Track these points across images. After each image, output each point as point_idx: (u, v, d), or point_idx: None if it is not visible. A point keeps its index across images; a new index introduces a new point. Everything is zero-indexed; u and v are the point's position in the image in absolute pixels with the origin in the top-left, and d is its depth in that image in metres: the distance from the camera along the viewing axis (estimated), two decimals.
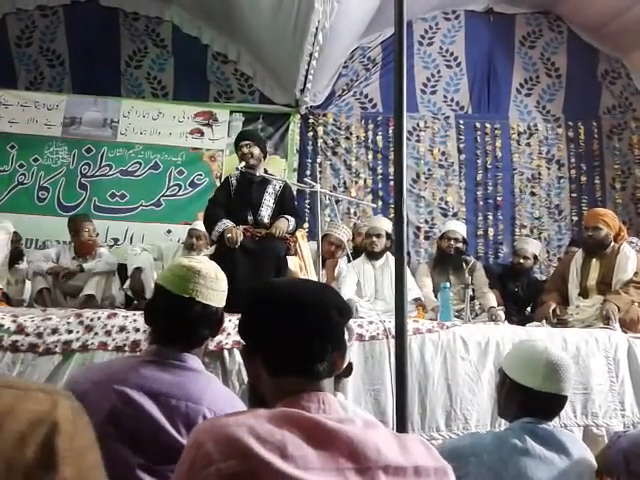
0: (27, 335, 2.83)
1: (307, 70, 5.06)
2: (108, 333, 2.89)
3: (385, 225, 4.47)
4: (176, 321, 1.49)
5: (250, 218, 3.75)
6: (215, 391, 1.47)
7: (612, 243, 4.02)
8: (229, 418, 0.94)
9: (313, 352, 1.00)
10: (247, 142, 3.80)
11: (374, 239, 4.43)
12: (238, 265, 3.38)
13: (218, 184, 5.27)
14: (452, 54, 6.17)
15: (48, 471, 0.57)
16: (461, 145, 6.05)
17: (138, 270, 4.30)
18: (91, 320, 2.93)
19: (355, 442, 0.90)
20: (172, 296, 1.50)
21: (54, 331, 2.86)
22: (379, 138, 5.96)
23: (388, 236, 4.39)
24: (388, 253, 4.42)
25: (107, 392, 1.39)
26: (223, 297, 1.57)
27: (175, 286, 1.51)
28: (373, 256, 4.44)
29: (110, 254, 4.77)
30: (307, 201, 5.59)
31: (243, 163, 3.73)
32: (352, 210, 5.87)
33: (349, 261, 4.46)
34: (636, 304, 3.77)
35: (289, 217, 3.72)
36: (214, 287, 1.53)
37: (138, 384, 1.41)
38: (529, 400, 1.64)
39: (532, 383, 1.63)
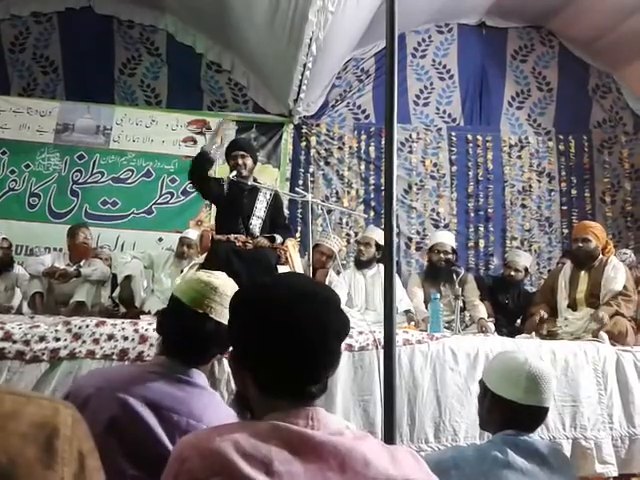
0: (14, 342, 2.81)
1: (301, 80, 5.07)
2: (96, 341, 2.87)
3: (376, 235, 4.48)
4: (188, 336, 1.47)
5: (241, 227, 3.72)
6: (217, 410, 1.44)
7: (600, 256, 4.06)
8: (214, 431, 0.92)
9: (308, 376, 0.96)
10: (241, 152, 3.73)
11: (362, 248, 4.47)
12: (229, 273, 3.35)
13: None
14: (445, 67, 6.22)
15: (48, 469, 0.60)
16: (453, 157, 6.08)
17: (127, 279, 4.27)
18: (79, 328, 2.91)
19: (343, 454, 0.88)
20: (186, 309, 1.48)
21: (42, 339, 2.84)
22: (372, 149, 5.98)
23: (378, 246, 4.39)
24: (380, 263, 4.42)
25: (109, 399, 1.37)
26: None
27: (190, 299, 1.49)
28: (362, 265, 4.45)
29: (104, 265, 4.73)
30: (299, 211, 5.60)
31: (234, 172, 3.67)
32: (344, 220, 5.87)
33: (337, 274, 4.46)
34: (626, 317, 3.79)
35: (276, 235, 3.72)
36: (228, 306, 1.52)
37: (141, 395, 1.38)
38: (511, 412, 1.61)
39: (513, 395, 1.61)
